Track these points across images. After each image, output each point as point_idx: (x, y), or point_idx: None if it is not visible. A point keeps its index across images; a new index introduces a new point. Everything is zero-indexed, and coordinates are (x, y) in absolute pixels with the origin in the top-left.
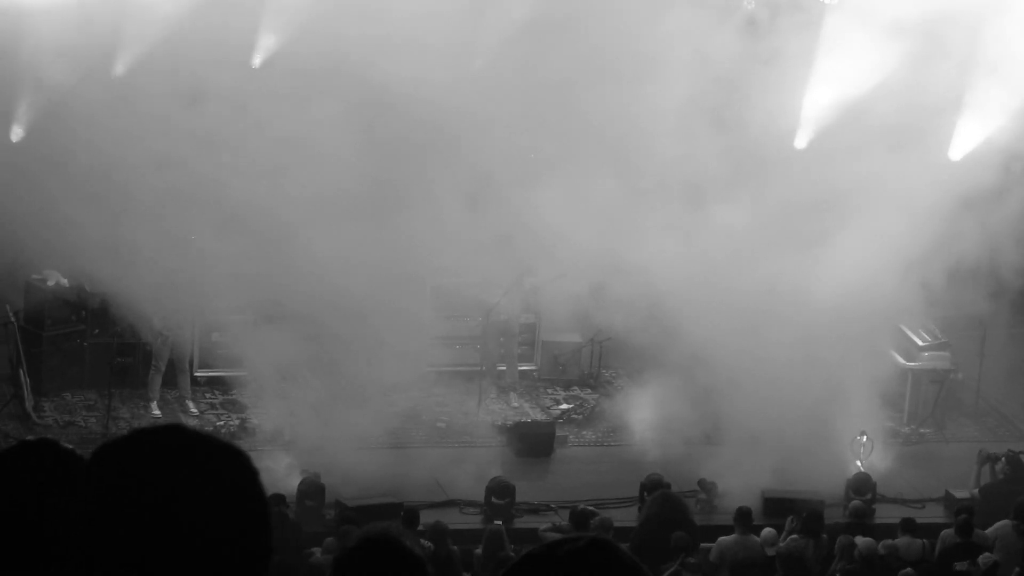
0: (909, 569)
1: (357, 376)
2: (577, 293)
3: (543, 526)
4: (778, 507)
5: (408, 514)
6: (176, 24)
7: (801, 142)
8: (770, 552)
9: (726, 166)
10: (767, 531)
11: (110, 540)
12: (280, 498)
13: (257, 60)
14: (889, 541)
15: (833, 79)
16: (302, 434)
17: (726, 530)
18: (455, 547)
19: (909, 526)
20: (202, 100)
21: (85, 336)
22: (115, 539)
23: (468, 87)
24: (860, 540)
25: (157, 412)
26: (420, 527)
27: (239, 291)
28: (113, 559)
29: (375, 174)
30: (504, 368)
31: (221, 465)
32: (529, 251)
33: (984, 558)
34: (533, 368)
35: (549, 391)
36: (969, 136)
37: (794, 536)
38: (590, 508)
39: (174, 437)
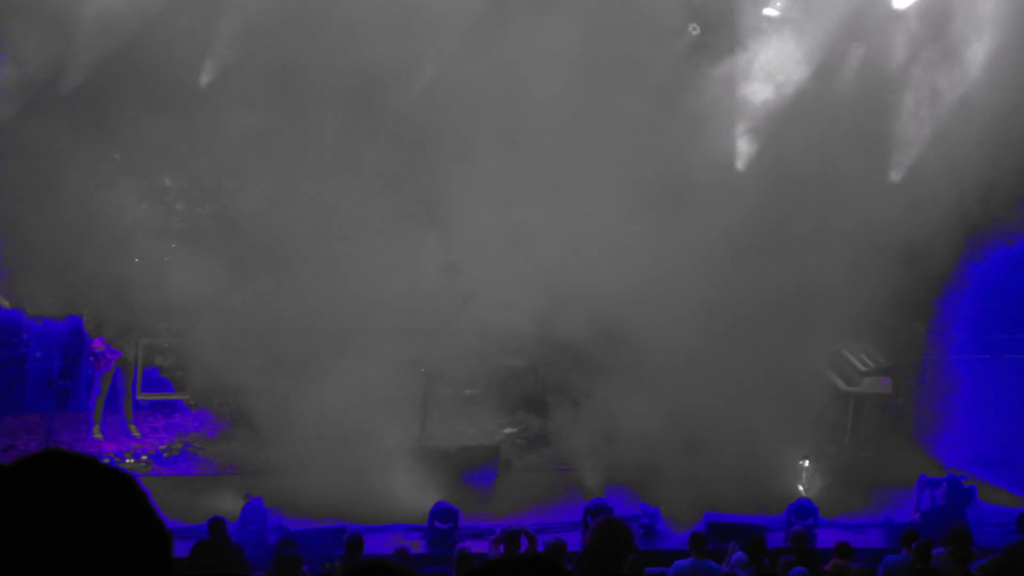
0: None
1: (302, 399)
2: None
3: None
4: (721, 532)
5: (353, 539)
6: (131, 34)
7: (741, 163)
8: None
9: (669, 184)
10: (739, 555)
11: None
12: (220, 523)
13: (207, 74)
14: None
15: (767, 92)
16: (245, 458)
17: (669, 555)
18: None
19: (844, 551)
20: (156, 110)
21: (27, 359)
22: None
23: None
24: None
25: (99, 435)
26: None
27: (185, 314)
28: None
29: (328, 198)
30: (449, 392)
31: (105, 491)
32: (475, 274)
33: None
34: (478, 392)
35: (493, 415)
36: (908, 154)
37: (737, 555)
38: (523, 530)
39: (53, 466)
